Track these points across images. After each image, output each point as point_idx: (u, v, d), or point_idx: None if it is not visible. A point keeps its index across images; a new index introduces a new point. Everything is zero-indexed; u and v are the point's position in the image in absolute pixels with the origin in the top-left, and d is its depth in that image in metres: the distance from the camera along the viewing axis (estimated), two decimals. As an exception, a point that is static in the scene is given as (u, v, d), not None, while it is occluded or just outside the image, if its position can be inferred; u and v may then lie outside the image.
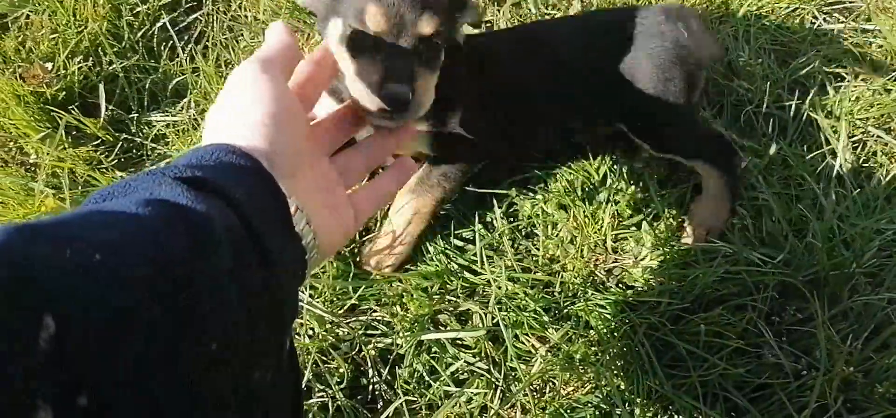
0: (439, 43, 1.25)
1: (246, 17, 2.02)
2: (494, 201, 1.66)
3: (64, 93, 1.80)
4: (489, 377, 1.48)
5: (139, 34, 1.93)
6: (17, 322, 0.55)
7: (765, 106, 1.82)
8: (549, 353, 1.50)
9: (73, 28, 1.87)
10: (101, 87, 1.77)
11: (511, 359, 1.47)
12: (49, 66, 1.80)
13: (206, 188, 0.70)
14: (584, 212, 1.63)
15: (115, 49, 1.84)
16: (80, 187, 1.68)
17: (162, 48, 1.94)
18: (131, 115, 1.83)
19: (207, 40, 1.96)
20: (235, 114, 0.81)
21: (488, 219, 1.67)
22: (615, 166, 1.68)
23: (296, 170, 0.83)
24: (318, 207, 0.85)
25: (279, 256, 0.72)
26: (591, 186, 1.66)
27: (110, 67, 1.85)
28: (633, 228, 1.64)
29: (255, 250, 0.70)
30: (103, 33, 1.86)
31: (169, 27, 1.93)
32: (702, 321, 1.46)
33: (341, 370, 1.52)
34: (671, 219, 1.63)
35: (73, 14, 1.89)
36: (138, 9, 1.95)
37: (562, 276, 1.60)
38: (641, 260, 1.62)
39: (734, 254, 1.55)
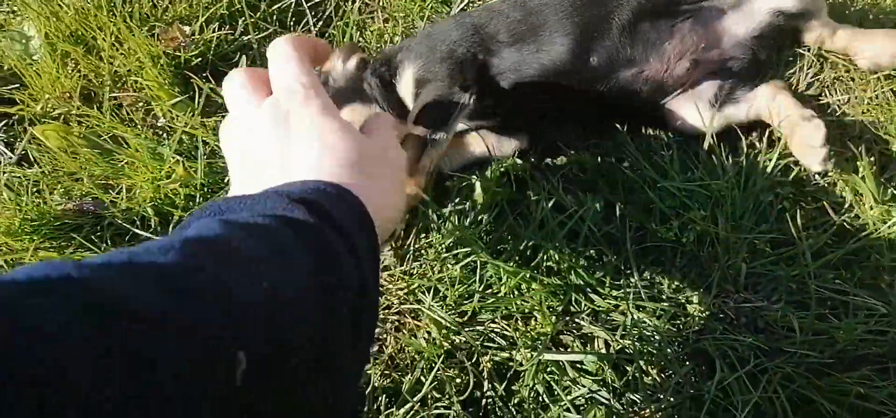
0: None
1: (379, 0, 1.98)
2: (626, 220, 1.60)
3: (198, 58, 1.78)
4: (610, 406, 1.43)
5: (274, 6, 1.89)
6: (216, 364, 0.59)
7: None
8: (674, 389, 1.44)
9: (211, -9, 1.85)
10: (244, 58, 1.75)
11: (640, 393, 1.41)
12: (187, 29, 1.78)
13: (317, 212, 0.80)
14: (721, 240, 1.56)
15: (252, 19, 1.81)
16: (205, 157, 1.66)
17: (292, 24, 1.91)
18: (259, 88, 1.81)
19: (339, 20, 1.93)
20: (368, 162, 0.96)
21: (615, 235, 1.61)
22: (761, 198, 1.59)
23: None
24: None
25: (372, 279, 0.85)
26: (734, 220, 1.58)
27: (245, 37, 1.83)
28: (770, 265, 1.56)
29: (356, 272, 0.80)
30: (241, 0, 1.83)
31: (303, 2, 1.90)
32: (853, 382, 1.38)
33: (457, 380, 1.48)
34: (808, 265, 1.53)
35: (210, -25, 1.87)
36: (274, -21, 1.92)
37: (686, 308, 1.53)
38: (775, 302, 1.54)
39: (876, 309, 1.47)
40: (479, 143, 1.69)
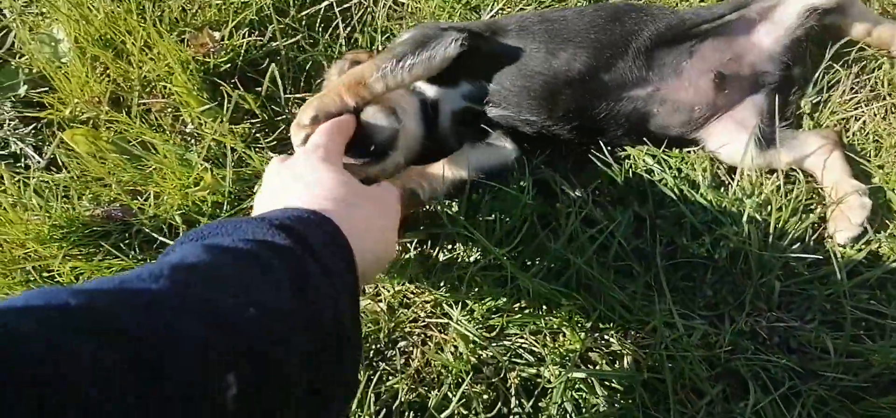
0: None
1: (407, 5, 1.96)
2: (656, 235, 1.58)
3: (227, 64, 1.77)
4: (640, 426, 1.41)
5: (303, 12, 1.88)
6: (210, 382, 0.61)
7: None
8: (705, 410, 1.42)
9: (240, -4, 1.84)
10: (274, 65, 1.73)
11: (671, 413, 1.39)
12: (216, 34, 1.77)
13: (295, 237, 0.86)
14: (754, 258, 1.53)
15: (280, 25, 1.80)
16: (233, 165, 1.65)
17: (320, 30, 1.90)
18: (287, 95, 1.80)
19: (367, 26, 1.92)
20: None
21: (645, 250, 1.58)
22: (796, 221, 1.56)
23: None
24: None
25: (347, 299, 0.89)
26: (762, 237, 1.55)
27: (273, 43, 1.82)
28: (804, 283, 1.53)
29: (331, 294, 0.84)
30: (270, 6, 1.82)
31: (334, 6, 1.88)
32: (888, 407, 1.35)
33: (484, 397, 1.47)
34: (843, 284, 1.50)
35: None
36: (303, -16, 1.90)
37: (718, 327, 1.50)
38: (809, 322, 1.51)
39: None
40: (474, 155, 1.65)
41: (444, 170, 1.59)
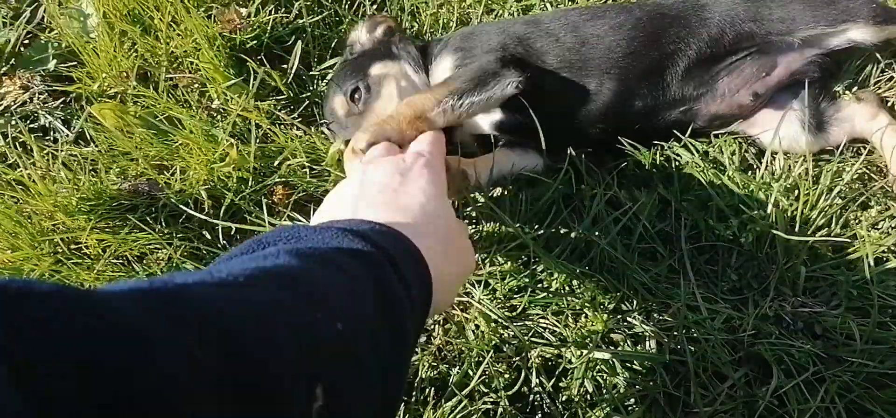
0: None
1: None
2: (681, 218, 1.57)
3: (253, 40, 1.78)
4: (661, 407, 1.41)
5: (331, -11, 1.89)
6: (301, 394, 0.62)
7: None
8: (727, 393, 1.41)
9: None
10: (299, 43, 1.74)
11: (693, 396, 1.39)
12: (243, 11, 1.78)
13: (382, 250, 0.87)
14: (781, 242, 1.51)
15: (307, 2, 1.81)
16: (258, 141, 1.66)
17: (346, 7, 1.90)
18: (311, 72, 1.81)
19: (394, 4, 1.91)
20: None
21: (670, 232, 1.57)
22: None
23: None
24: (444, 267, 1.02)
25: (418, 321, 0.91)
26: (789, 221, 1.53)
27: (299, 20, 1.82)
28: (830, 269, 1.51)
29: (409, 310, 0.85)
30: (297, -17, 1.83)
31: (358, -15, 1.88)
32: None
33: (505, 375, 1.47)
34: (870, 270, 1.48)
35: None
36: (330, -39, 1.90)
37: (742, 310, 1.49)
38: (834, 308, 1.49)
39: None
40: (499, 159, 1.62)
41: (492, 162, 1.59)
